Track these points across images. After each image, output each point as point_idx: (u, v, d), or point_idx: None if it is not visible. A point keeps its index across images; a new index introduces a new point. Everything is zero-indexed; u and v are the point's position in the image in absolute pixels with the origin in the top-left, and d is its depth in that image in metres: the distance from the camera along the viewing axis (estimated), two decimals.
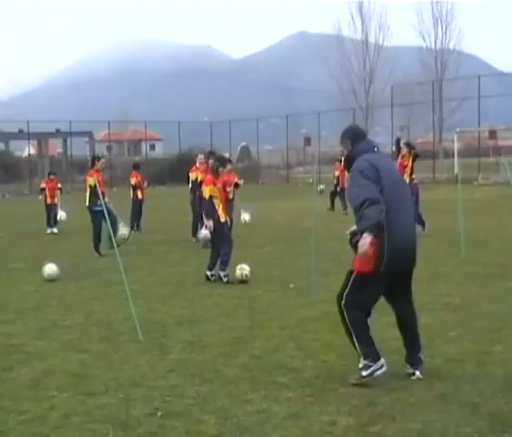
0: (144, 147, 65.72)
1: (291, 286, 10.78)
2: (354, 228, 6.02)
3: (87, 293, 10.91)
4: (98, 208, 13.39)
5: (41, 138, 55.95)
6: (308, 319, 8.59)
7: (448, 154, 49.48)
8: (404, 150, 16.75)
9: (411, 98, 51.95)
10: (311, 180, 37.61)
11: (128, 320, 8.34)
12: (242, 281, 11.21)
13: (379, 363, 5.98)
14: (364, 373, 5.97)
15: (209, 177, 11.90)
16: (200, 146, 51.16)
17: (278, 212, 24.41)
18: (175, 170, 47.96)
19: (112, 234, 9.42)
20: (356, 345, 6.05)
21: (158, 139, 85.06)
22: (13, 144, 63.28)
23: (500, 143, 54.77)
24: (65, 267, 12.49)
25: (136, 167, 21.01)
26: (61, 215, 21.12)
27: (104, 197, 14.92)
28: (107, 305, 9.89)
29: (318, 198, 23.24)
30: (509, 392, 5.79)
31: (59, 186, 21.40)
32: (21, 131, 53.31)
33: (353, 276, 6.03)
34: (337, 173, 25.07)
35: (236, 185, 14.57)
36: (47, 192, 20.76)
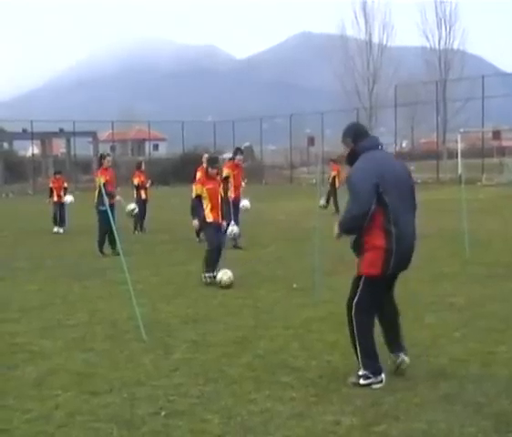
0: (148, 146, 65.75)
1: (295, 286, 10.77)
2: (353, 237, 6.03)
3: (91, 292, 10.92)
4: (103, 208, 13.39)
5: (45, 138, 55.97)
6: (312, 318, 8.59)
7: (452, 154, 49.32)
8: None
9: (415, 98, 51.88)
10: (314, 181, 37.59)
11: (133, 320, 8.35)
12: (226, 286, 10.85)
13: (379, 378, 5.97)
14: (362, 382, 5.97)
15: (199, 177, 11.90)
16: (204, 145, 51.24)
17: (281, 212, 24.41)
18: (179, 170, 47.98)
19: (117, 238, 9.37)
20: (359, 355, 6.03)
21: (162, 139, 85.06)
22: (16, 143, 63.43)
23: (504, 143, 54.55)
24: (68, 266, 12.51)
25: (138, 167, 21.00)
26: (68, 199, 21.00)
27: (113, 196, 15.02)
28: (111, 304, 9.90)
29: (321, 197, 23.25)
30: None
31: (65, 185, 21.49)
32: (25, 131, 53.38)
33: (362, 281, 5.97)
34: (333, 173, 24.96)
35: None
36: (55, 191, 20.82)
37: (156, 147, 79.07)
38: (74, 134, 53.64)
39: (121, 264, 8.38)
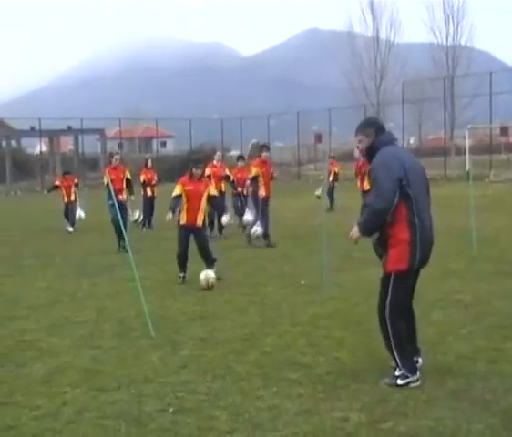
0: (155, 144, 65.83)
1: (303, 282, 10.77)
2: (376, 235, 6.02)
3: (99, 290, 10.96)
4: (111, 202, 13.61)
5: (52, 136, 56.11)
6: (319, 315, 8.58)
7: (460, 151, 49.15)
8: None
9: (422, 95, 51.71)
10: (321, 177, 37.54)
11: (140, 317, 8.37)
12: (206, 288, 10.60)
13: (415, 377, 5.94)
14: (400, 382, 5.90)
15: (183, 177, 11.78)
16: (211, 143, 51.27)
17: (288, 209, 24.39)
18: (186, 167, 47.87)
19: (125, 234, 9.41)
20: (396, 356, 5.98)
21: (170, 136, 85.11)
22: (24, 141, 63.65)
23: None
24: (77, 263, 12.54)
25: (145, 164, 21.16)
26: (80, 214, 20.99)
27: (118, 193, 15.00)
28: (119, 301, 9.93)
29: (329, 195, 23.22)
30: None
31: (76, 181, 21.54)
32: (33, 129, 53.61)
33: (391, 279, 5.93)
34: (336, 169, 24.95)
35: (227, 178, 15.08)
36: (63, 191, 20.82)
37: (163, 144, 79.17)
38: (82, 131, 53.76)
39: (129, 261, 8.40)
